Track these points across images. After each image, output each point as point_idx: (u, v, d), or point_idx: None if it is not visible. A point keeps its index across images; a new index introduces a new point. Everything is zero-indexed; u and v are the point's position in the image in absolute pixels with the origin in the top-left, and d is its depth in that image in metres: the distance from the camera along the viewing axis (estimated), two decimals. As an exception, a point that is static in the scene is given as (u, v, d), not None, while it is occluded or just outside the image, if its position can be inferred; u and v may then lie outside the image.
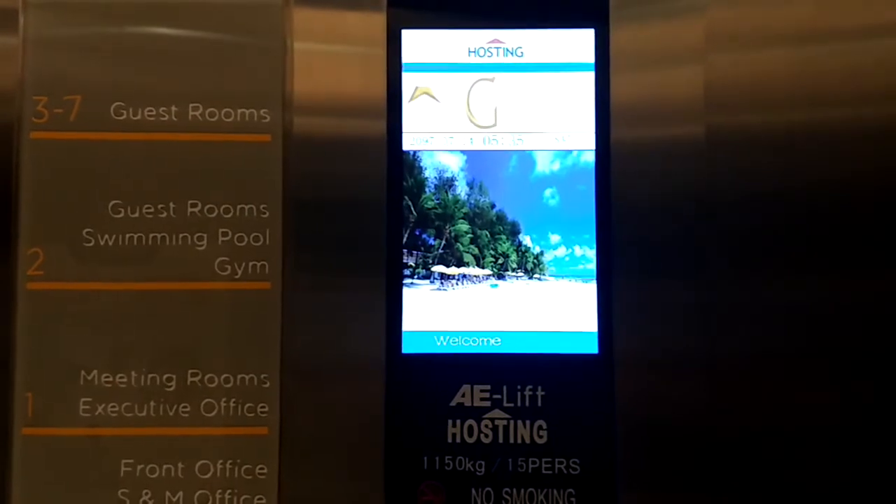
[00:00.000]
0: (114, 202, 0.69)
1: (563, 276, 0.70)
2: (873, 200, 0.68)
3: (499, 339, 0.70)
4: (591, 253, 0.70)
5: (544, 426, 0.69)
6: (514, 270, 0.71)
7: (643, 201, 0.69)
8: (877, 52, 0.69)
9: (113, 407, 0.68)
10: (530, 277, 0.71)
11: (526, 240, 0.71)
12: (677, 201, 0.69)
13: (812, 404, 0.67)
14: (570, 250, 0.70)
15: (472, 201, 0.71)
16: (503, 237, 0.71)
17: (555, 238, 0.70)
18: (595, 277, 0.70)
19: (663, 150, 0.69)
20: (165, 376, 0.68)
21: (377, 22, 0.71)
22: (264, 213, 0.70)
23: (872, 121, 0.69)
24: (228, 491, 0.68)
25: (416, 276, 0.70)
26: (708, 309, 0.68)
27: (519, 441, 0.69)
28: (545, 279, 0.70)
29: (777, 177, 0.69)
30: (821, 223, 0.68)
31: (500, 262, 0.71)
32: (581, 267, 0.70)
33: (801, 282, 0.68)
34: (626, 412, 0.68)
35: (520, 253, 0.71)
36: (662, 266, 0.69)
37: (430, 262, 0.71)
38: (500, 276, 0.71)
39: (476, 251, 0.71)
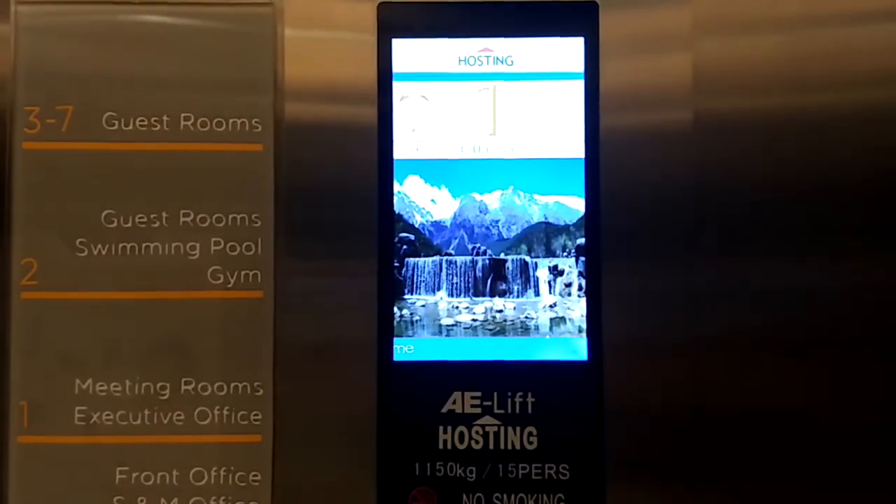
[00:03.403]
0: (106, 212, 0.69)
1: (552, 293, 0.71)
2: (861, 185, 0.69)
3: (489, 347, 0.71)
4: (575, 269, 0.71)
5: (534, 432, 0.70)
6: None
7: (632, 201, 0.69)
8: (863, 38, 0.70)
9: (108, 415, 0.68)
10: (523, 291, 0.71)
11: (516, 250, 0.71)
12: (667, 197, 0.69)
13: (804, 397, 0.68)
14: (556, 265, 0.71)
15: (463, 211, 0.71)
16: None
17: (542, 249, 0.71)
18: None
19: (652, 136, 0.69)
20: (159, 384, 0.69)
21: (368, 16, 0.71)
22: (256, 222, 0.70)
23: (860, 106, 0.69)
24: (223, 498, 0.68)
25: (407, 286, 0.71)
26: (698, 312, 0.69)
27: (509, 447, 0.70)
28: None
29: (765, 162, 0.69)
30: (809, 208, 0.69)
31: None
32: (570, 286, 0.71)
33: (790, 268, 0.69)
34: (615, 418, 0.69)
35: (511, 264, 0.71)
36: (651, 271, 0.69)
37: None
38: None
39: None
